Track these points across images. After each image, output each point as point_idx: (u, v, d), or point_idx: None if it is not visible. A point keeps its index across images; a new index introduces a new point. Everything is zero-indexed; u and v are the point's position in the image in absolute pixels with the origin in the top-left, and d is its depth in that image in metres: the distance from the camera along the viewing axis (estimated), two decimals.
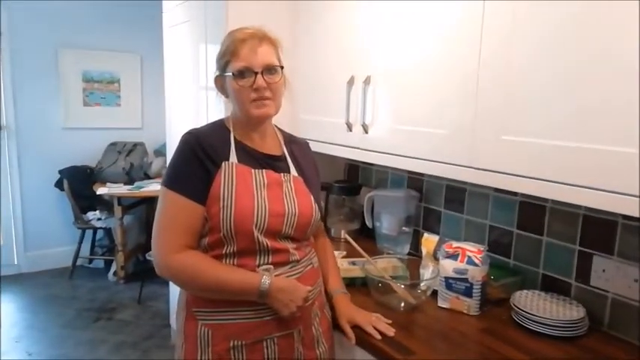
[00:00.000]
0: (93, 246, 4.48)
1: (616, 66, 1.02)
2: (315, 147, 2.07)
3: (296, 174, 1.35)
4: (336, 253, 1.95)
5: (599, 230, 1.42)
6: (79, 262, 4.31)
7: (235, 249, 1.22)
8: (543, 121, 1.16)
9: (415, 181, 2.04)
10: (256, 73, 1.23)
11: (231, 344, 1.24)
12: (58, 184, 4.27)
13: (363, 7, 1.73)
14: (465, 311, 1.47)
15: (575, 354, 1.26)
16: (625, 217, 1.34)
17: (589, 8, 1.06)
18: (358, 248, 1.56)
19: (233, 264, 1.24)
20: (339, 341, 1.45)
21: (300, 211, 1.29)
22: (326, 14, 1.95)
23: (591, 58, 1.06)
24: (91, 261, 4.47)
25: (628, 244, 1.35)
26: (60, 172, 4.25)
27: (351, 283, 1.63)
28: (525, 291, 1.52)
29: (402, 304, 1.49)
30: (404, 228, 1.98)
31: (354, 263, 1.70)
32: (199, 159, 1.21)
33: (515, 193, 1.62)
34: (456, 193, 1.86)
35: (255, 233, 1.21)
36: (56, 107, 4.37)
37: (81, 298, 3.82)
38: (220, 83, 1.32)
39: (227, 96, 1.32)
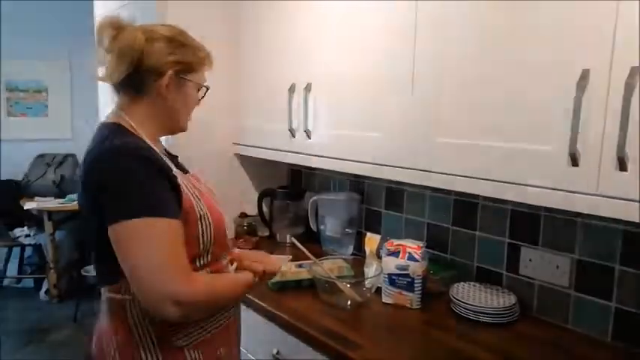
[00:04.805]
0: (21, 264, 4.21)
1: (532, 68, 1.13)
2: (258, 153, 2.10)
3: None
4: (282, 256, 1.98)
5: (525, 223, 1.54)
6: (5, 282, 4.05)
7: (209, 259, 1.16)
8: (469, 122, 1.27)
9: (357, 184, 2.11)
10: (203, 89, 1.23)
11: (219, 353, 1.18)
12: None
13: (300, 16, 1.78)
14: (408, 305, 1.55)
15: (508, 337, 1.37)
16: (547, 209, 1.47)
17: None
18: (305, 250, 1.59)
19: (209, 272, 1.16)
20: (285, 340, 1.48)
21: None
22: (264, 24, 1.98)
23: (507, 61, 1.17)
24: (19, 280, 4.21)
25: (550, 234, 1.48)
26: None
27: (298, 285, 1.67)
28: (462, 283, 1.61)
29: (349, 303, 1.54)
30: (347, 229, 2.04)
31: (301, 266, 1.73)
32: (164, 173, 1.07)
33: (449, 192, 1.72)
34: (396, 195, 1.95)
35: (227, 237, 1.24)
36: None
37: (8, 320, 3.59)
38: (171, 84, 1.15)
39: (152, 99, 1.17)
